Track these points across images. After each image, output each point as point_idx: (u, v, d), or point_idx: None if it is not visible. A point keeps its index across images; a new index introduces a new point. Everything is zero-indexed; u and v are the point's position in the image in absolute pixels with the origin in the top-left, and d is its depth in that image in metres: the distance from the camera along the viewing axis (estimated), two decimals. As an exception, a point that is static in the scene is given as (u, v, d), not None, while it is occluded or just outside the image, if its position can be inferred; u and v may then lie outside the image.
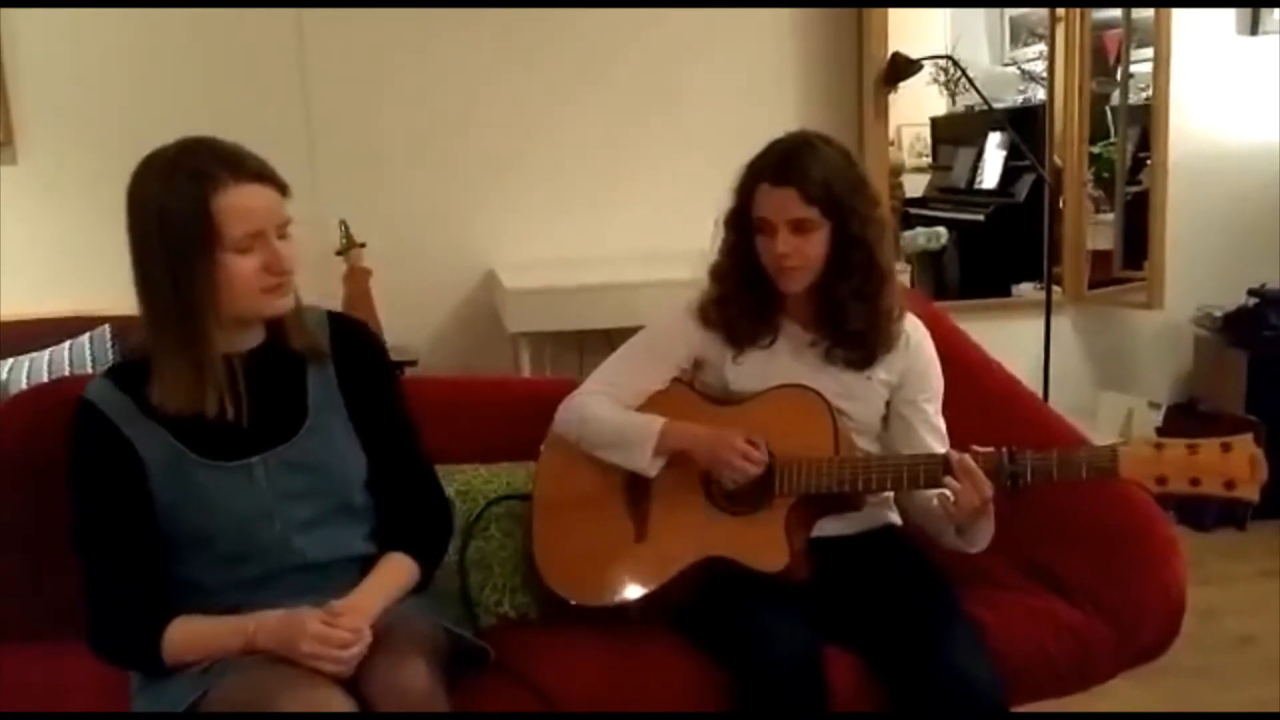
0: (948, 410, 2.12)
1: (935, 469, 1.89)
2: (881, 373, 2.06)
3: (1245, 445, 1.76)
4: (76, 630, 1.84)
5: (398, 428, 1.91)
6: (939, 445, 2.05)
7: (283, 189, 1.72)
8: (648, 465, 2.02)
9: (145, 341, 1.72)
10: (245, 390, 1.75)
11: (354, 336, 1.91)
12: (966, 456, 1.85)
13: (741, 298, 2.05)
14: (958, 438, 2.05)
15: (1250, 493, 1.76)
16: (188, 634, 1.69)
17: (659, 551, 2.01)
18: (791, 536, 1.93)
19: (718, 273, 2.09)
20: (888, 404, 2.09)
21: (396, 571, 1.82)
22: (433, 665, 1.67)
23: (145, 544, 1.73)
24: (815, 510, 1.99)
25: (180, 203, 1.64)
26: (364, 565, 1.81)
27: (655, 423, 2.02)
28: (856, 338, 2.02)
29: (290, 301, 1.76)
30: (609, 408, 2.08)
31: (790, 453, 1.95)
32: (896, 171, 4.86)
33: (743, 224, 2.03)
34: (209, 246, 1.64)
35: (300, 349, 1.81)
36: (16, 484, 2.06)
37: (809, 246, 1.97)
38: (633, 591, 2.00)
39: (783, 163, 1.97)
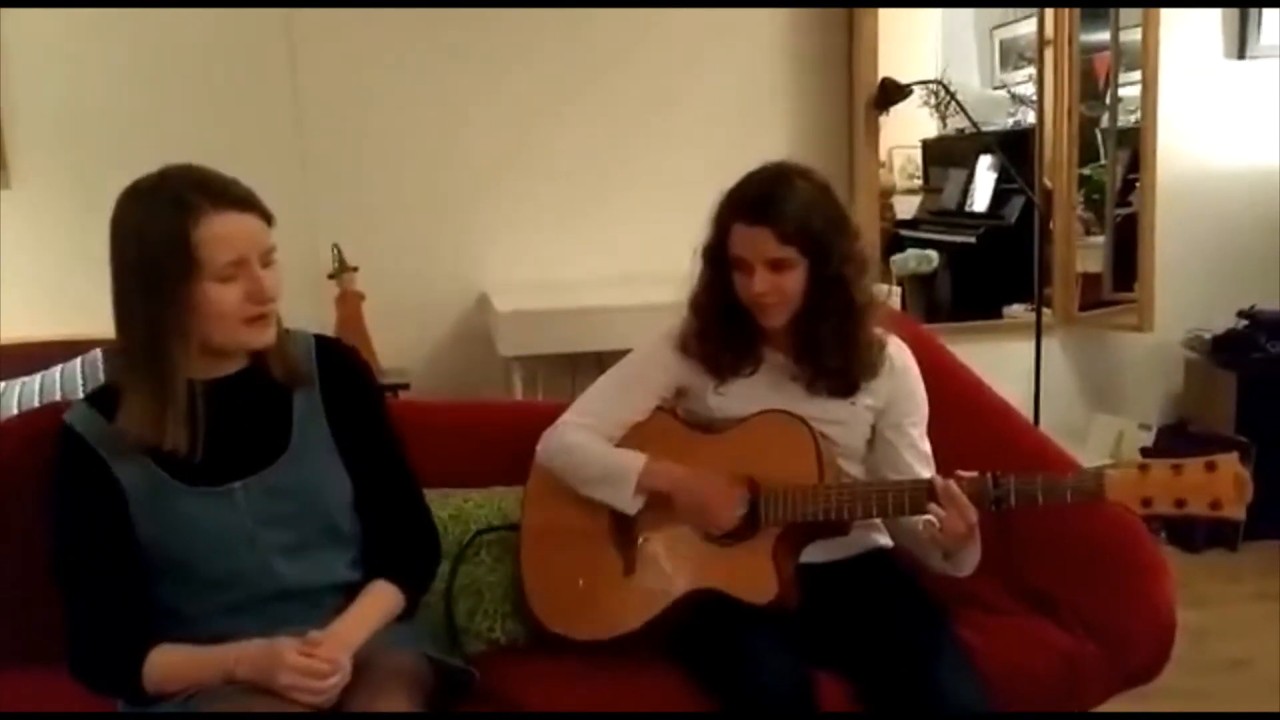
0: (937, 432, 2.12)
1: (920, 495, 1.88)
2: (866, 398, 2.05)
3: (1230, 464, 1.76)
4: (62, 657, 1.84)
5: (385, 453, 1.90)
6: (924, 468, 2.05)
7: (267, 217, 1.71)
8: (628, 504, 2.01)
9: (118, 368, 1.72)
10: (223, 417, 1.74)
11: (341, 361, 1.89)
12: (951, 483, 1.85)
13: (721, 331, 2.05)
14: (946, 460, 2.05)
15: (1236, 512, 1.75)
16: (168, 663, 1.68)
17: (648, 585, 2.01)
18: (779, 565, 1.93)
19: (696, 306, 2.08)
20: (873, 427, 2.09)
21: (380, 600, 1.80)
22: (414, 698, 1.67)
23: (126, 570, 1.72)
24: (802, 537, 1.98)
25: (160, 231, 1.63)
26: (349, 592, 1.80)
27: (637, 461, 2.02)
28: (837, 372, 2.01)
29: (272, 335, 1.74)
30: (591, 441, 2.07)
31: (774, 480, 1.95)
32: (886, 193, 4.87)
33: (719, 258, 2.02)
34: (188, 275, 1.63)
35: (280, 377, 1.80)
36: (6, 510, 2.05)
37: (786, 284, 1.96)
38: (624, 626, 1.99)
39: (758, 201, 1.95)
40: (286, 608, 1.75)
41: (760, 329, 2.04)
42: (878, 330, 2.05)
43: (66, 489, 1.74)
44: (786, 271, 1.95)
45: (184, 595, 1.74)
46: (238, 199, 1.67)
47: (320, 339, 1.90)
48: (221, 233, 1.64)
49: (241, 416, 1.77)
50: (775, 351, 2.07)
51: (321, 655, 1.63)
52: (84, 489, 1.72)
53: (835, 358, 2.00)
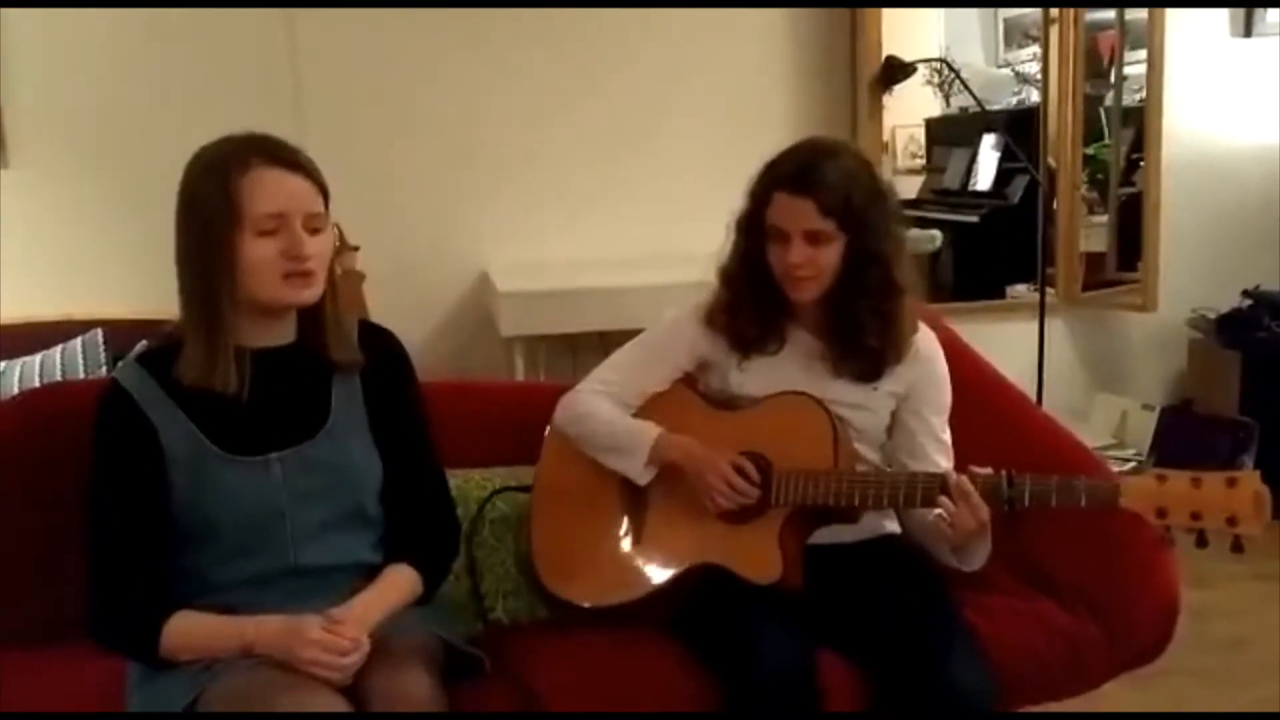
0: (955, 425, 2.10)
1: (932, 489, 1.87)
2: (889, 384, 2.03)
3: (1251, 481, 1.71)
4: (68, 638, 1.85)
5: (416, 441, 1.91)
6: (943, 458, 2.04)
7: (320, 186, 1.75)
8: (639, 474, 2.01)
9: (178, 324, 1.75)
10: (266, 385, 1.76)
11: (383, 347, 1.92)
12: (964, 479, 1.83)
13: (750, 304, 2.03)
14: (958, 447, 2.05)
15: (1253, 530, 1.71)
16: (187, 630, 1.69)
17: (654, 555, 2.01)
18: (786, 547, 1.92)
19: (727, 277, 2.06)
20: (893, 414, 2.07)
21: (400, 582, 1.81)
22: (432, 675, 1.67)
23: (156, 532, 1.73)
24: (811, 521, 1.98)
25: (209, 182, 1.68)
26: (368, 573, 1.81)
27: (651, 432, 2.01)
28: (869, 352, 1.99)
29: (312, 295, 1.76)
30: (607, 408, 2.07)
31: (789, 462, 1.94)
32: (881, 171, 4.86)
33: (755, 229, 2.00)
34: (229, 225, 1.67)
35: (335, 357, 1.82)
36: (8, 490, 2.05)
37: (822, 258, 1.94)
38: (626, 594, 1.99)
39: (802, 171, 1.93)
40: (306, 583, 1.76)
41: (789, 305, 2.02)
42: (912, 316, 2.03)
43: (107, 446, 1.75)
44: (823, 245, 1.93)
45: (207, 562, 1.76)
46: (288, 160, 1.72)
47: (364, 324, 1.93)
48: (264, 186, 1.68)
49: (284, 389, 1.79)
50: (802, 330, 2.05)
51: (344, 632, 1.64)
52: (125, 448, 1.73)
53: (872, 337, 1.98)
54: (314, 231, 1.73)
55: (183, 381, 1.72)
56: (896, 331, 1.99)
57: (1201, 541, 1.76)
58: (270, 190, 1.68)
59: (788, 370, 2.04)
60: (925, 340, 2.07)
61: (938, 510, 1.87)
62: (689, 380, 2.12)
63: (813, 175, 1.92)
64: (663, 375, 2.10)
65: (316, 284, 1.76)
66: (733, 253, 2.06)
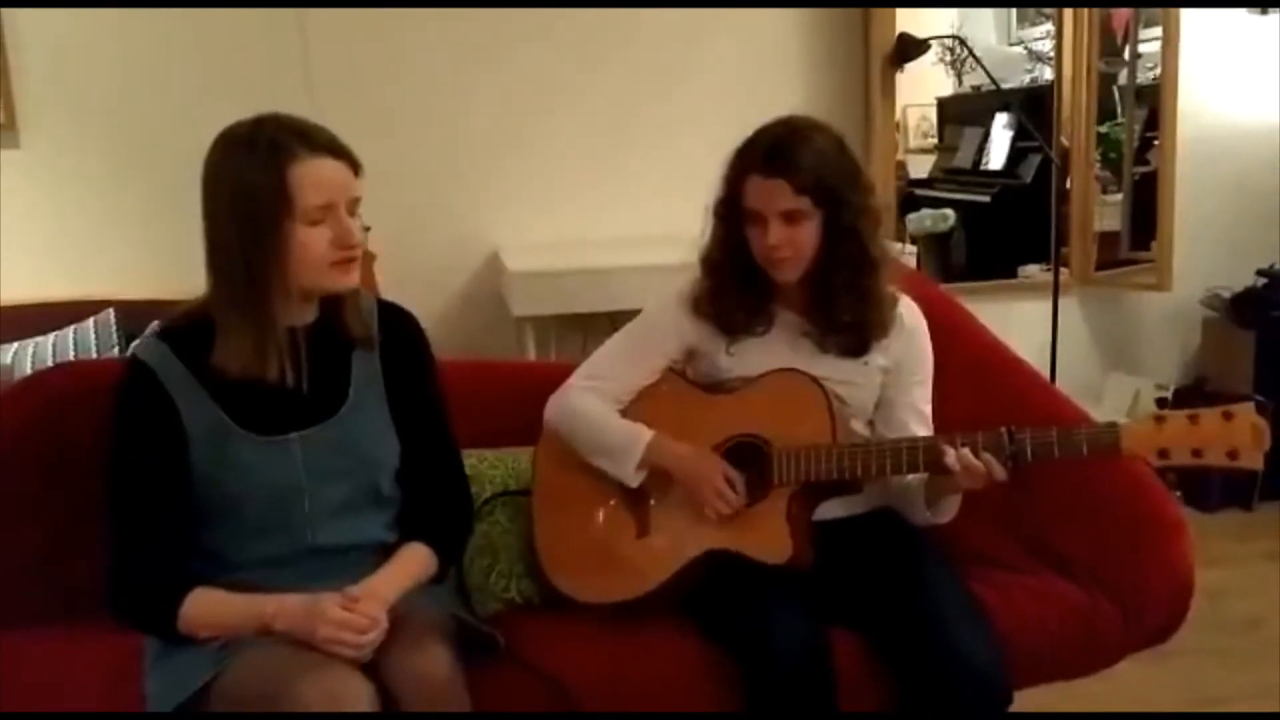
0: (953, 390, 2.11)
1: (935, 452, 1.87)
2: (878, 358, 2.04)
3: (1247, 413, 1.73)
4: (84, 614, 1.86)
5: (433, 421, 1.92)
6: (921, 428, 2.04)
7: (356, 166, 1.75)
8: (629, 479, 2.01)
9: (208, 306, 1.74)
10: (289, 364, 1.76)
11: (401, 326, 1.92)
12: (966, 451, 1.82)
13: (734, 289, 2.03)
14: (962, 418, 2.04)
15: (1254, 461, 1.73)
16: (206, 607, 1.71)
17: (662, 546, 2.00)
18: (794, 525, 1.92)
19: (709, 263, 2.06)
20: (881, 386, 2.07)
21: (416, 561, 1.82)
22: (450, 652, 1.68)
23: (177, 509, 1.74)
24: (816, 496, 1.98)
25: (257, 173, 1.67)
26: (384, 552, 1.83)
27: (643, 435, 2.01)
28: (850, 328, 2.00)
29: (356, 279, 1.77)
30: (597, 408, 2.06)
31: (787, 439, 1.94)
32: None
33: (732, 213, 2.00)
34: (281, 216, 1.67)
35: (355, 334, 1.83)
36: (23, 469, 2.06)
37: (800, 236, 1.94)
38: (638, 588, 1.99)
39: (773, 153, 1.93)
40: (323, 562, 1.78)
41: (773, 286, 2.03)
42: (890, 288, 2.03)
43: (129, 421, 1.76)
44: (800, 223, 1.93)
45: (226, 540, 1.77)
46: (329, 145, 1.72)
47: (382, 303, 1.93)
48: (314, 176, 1.69)
49: (306, 368, 1.79)
50: (787, 310, 2.06)
51: (362, 610, 1.64)
52: (147, 423, 1.74)
53: (849, 312, 1.99)
54: (353, 213, 1.75)
55: (227, 371, 1.72)
56: (873, 307, 2.00)
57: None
58: (323, 181, 1.69)
59: (776, 350, 2.04)
60: (909, 312, 2.08)
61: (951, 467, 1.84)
62: (678, 368, 2.11)
63: (784, 155, 1.92)
64: (652, 367, 2.10)
65: (358, 268, 1.77)
66: (712, 238, 2.06)
